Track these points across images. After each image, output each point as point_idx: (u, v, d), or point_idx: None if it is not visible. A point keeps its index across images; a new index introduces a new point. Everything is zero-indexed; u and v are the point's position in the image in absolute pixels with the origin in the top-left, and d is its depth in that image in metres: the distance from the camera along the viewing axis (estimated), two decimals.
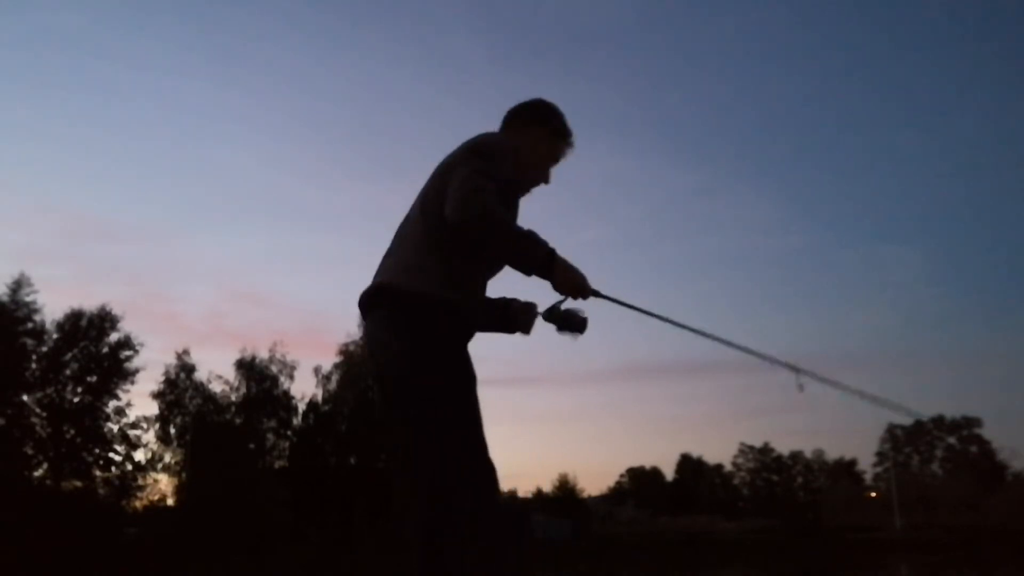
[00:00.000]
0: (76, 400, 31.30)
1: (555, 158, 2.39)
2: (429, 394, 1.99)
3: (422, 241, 2.11)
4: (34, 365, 30.71)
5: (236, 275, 70.15)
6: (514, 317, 2.34)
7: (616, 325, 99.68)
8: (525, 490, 65.11)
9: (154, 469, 34.27)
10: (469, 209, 1.95)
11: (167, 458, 35.23)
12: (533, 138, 2.36)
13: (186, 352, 37.14)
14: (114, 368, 31.96)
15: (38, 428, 30.37)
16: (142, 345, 32.92)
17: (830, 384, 2.39)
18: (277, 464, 37.83)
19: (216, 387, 37.04)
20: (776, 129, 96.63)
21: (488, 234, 1.99)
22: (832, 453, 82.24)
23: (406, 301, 2.05)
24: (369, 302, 2.12)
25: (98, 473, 31.71)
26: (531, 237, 2.03)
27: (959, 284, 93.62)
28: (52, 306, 45.71)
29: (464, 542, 1.88)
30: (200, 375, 36.98)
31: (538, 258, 2.02)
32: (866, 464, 74.75)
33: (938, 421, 69.29)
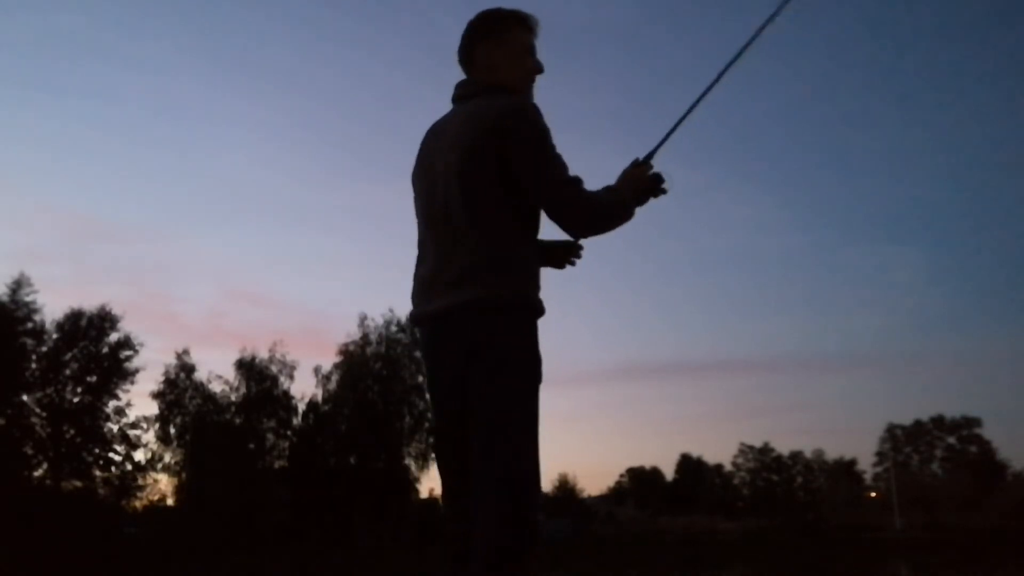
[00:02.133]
0: (76, 400, 31.29)
1: (533, 54, 2.24)
2: (527, 406, 1.95)
3: (491, 240, 1.98)
4: (34, 365, 30.70)
5: (236, 275, 70.12)
6: (563, 259, 2.30)
7: (615, 325, 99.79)
8: None
9: (154, 469, 34.26)
10: (590, 223, 2.09)
11: (167, 458, 35.22)
12: (513, 48, 2.20)
13: (186, 352, 37.13)
14: (114, 368, 31.94)
15: (38, 428, 30.36)
16: (142, 345, 32.93)
17: None
18: (277, 464, 37.80)
19: (216, 387, 37.04)
20: (777, 128, 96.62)
21: (605, 230, 2.13)
22: (832, 453, 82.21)
23: (511, 308, 1.96)
24: (467, 311, 1.95)
25: (98, 473, 31.69)
26: (628, 209, 2.16)
27: (960, 284, 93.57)
28: (52, 306, 45.78)
29: (534, 541, 1.90)
30: (200, 375, 36.98)
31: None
32: (866, 464, 74.74)
33: (938, 421, 69.31)
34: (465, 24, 2.22)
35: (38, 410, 30.48)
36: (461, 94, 2.20)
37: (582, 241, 2.25)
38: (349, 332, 39.91)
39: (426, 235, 2.12)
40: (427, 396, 2.14)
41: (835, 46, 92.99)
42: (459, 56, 2.24)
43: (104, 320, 32.09)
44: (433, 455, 2.10)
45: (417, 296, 2.11)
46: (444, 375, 2.03)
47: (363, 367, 38.41)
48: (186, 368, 36.71)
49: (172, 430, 35.50)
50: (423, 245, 2.14)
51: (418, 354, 39.18)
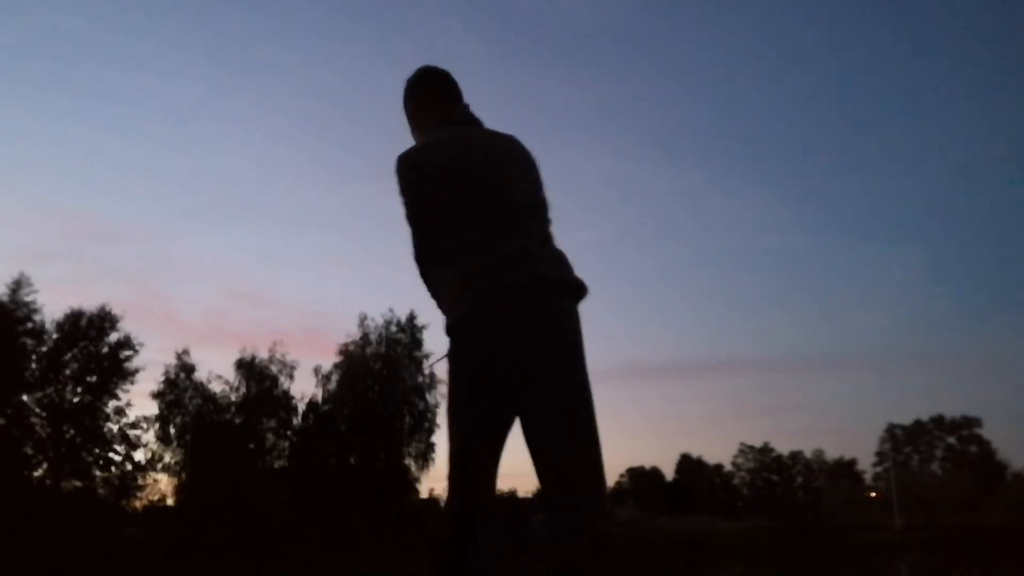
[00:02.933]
0: (76, 400, 31.27)
1: None
2: (589, 389, 2.10)
3: (550, 235, 2.22)
4: (34, 365, 30.68)
5: (236, 275, 70.32)
6: None
7: (615, 325, 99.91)
8: (525, 490, 65.01)
9: (154, 469, 34.24)
10: None
11: (167, 458, 35.19)
12: None
13: (186, 352, 37.08)
14: (114, 368, 31.92)
15: (38, 428, 30.35)
16: (142, 345, 32.90)
17: None
18: (277, 464, 37.78)
19: (216, 387, 37.00)
20: (777, 128, 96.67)
21: None
22: (832, 453, 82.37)
23: (579, 299, 2.17)
24: (554, 292, 2.07)
25: (98, 473, 31.67)
26: None
27: (960, 284, 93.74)
28: (52, 306, 45.73)
29: None
30: (200, 375, 36.95)
31: None
32: (866, 464, 74.89)
33: (938, 421, 69.31)
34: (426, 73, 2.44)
35: (38, 410, 30.47)
36: (470, 120, 2.38)
37: None
38: (349, 332, 39.85)
39: (494, 225, 2.12)
40: (467, 368, 2.05)
41: (836, 46, 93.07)
42: (453, 94, 2.44)
43: (104, 320, 32.08)
44: (459, 437, 2.10)
45: (500, 267, 2.06)
46: (522, 344, 2.01)
47: (363, 367, 38.39)
48: (186, 368, 36.70)
49: (172, 430, 35.50)
50: (485, 236, 2.12)
51: (418, 353, 39.19)
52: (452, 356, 2.08)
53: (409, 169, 2.21)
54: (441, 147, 2.24)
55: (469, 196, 2.15)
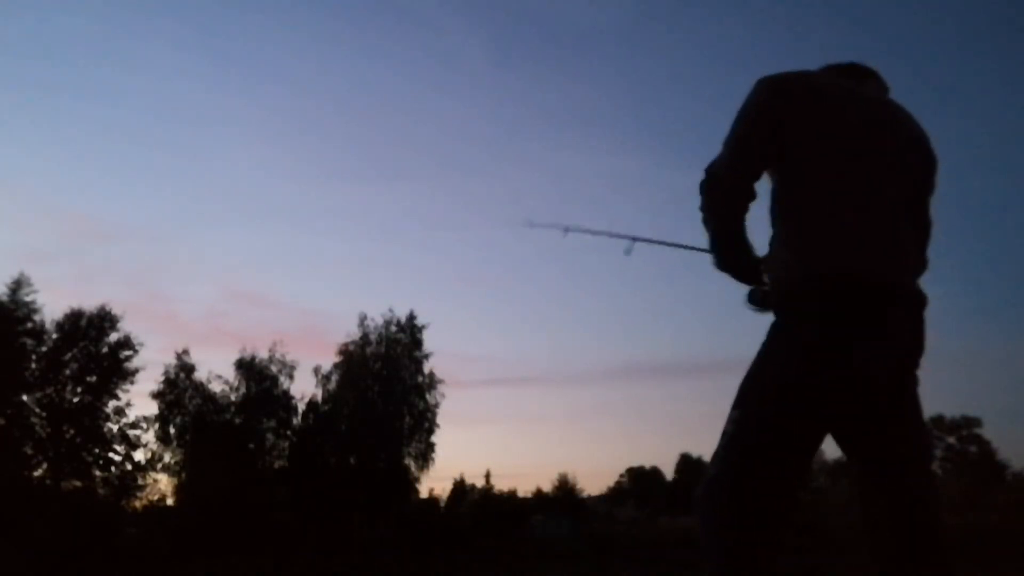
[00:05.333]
0: (76, 400, 31.28)
1: None
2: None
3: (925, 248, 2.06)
4: (34, 365, 30.70)
5: (236, 275, 70.04)
6: None
7: (615, 325, 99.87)
8: (525, 490, 65.23)
9: (154, 469, 34.24)
10: None
11: (167, 458, 35.21)
12: None
13: (186, 352, 37.10)
14: (114, 368, 31.93)
15: (38, 428, 30.36)
16: (142, 345, 32.91)
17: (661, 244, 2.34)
18: (277, 464, 37.80)
19: (216, 387, 37.02)
20: None
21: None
22: (832, 453, 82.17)
23: None
24: (919, 302, 1.90)
25: (98, 473, 31.68)
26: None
27: (960, 284, 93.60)
28: (52, 306, 45.71)
29: None
30: (200, 375, 36.97)
31: None
32: None
33: (938, 421, 69.33)
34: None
35: (38, 410, 30.48)
36: (866, 75, 2.21)
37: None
38: (349, 332, 39.87)
39: (880, 198, 1.90)
40: (826, 376, 1.74)
41: (834, 46, 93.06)
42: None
43: (104, 320, 32.10)
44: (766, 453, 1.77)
45: (883, 258, 1.84)
46: (890, 363, 1.83)
47: (363, 367, 38.40)
48: (186, 368, 36.72)
49: (172, 430, 35.51)
50: (868, 205, 1.88)
51: (418, 354, 39.19)
52: None
53: (807, 91, 1.94)
54: (861, 101, 2.03)
55: (873, 157, 1.91)
